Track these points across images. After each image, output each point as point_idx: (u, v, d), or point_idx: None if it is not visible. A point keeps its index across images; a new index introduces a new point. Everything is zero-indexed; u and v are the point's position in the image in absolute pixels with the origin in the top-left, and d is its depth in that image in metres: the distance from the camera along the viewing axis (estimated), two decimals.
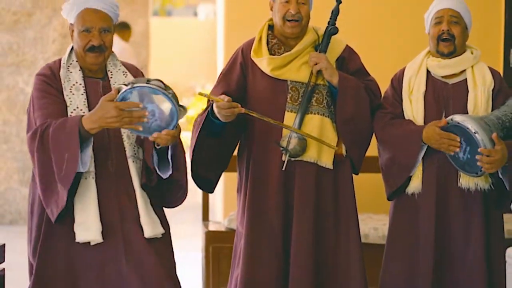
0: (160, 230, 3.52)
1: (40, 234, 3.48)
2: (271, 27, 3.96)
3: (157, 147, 3.46)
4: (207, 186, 4.06)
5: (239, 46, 3.99)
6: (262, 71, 3.87)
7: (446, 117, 3.82)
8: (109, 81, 3.59)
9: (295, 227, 3.85)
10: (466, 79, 3.92)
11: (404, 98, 3.96)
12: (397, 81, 4.01)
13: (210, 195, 5.32)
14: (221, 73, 3.97)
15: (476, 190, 3.84)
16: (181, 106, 3.36)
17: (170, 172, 3.52)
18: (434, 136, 3.77)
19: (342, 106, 3.85)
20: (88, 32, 3.51)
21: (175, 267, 3.61)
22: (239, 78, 3.92)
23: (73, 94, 3.50)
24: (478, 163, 3.67)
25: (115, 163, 3.51)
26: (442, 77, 3.94)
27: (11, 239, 5.88)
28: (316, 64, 3.82)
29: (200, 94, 3.72)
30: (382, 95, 4.05)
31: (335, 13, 3.92)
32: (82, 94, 3.51)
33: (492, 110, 3.86)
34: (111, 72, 3.62)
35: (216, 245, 5.21)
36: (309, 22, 3.91)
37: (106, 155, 3.50)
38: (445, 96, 3.90)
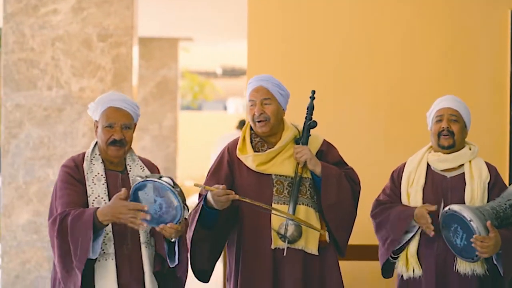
0: None
1: None
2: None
3: (170, 239, 3.73)
4: (204, 277, 4.23)
5: (224, 146, 4.22)
6: (248, 167, 4.10)
7: (444, 207, 4.02)
8: (128, 174, 3.90)
9: None
10: (464, 172, 4.13)
11: (402, 191, 4.18)
12: (397, 175, 4.24)
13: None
14: (209, 171, 4.20)
15: (473, 275, 4.01)
16: (185, 204, 3.65)
17: (176, 262, 3.79)
18: (418, 215, 4.01)
19: (326, 193, 4.07)
20: (111, 127, 3.84)
21: None
22: (226, 175, 4.13)
23: (95, 184, 3.81)
24: (474, 248, 3.86)
25: (130, 247, 3.80)
26: (441, 170, 4.15)
27: None
28: (301, 156, 4.06)
29: (196, 185, 3.93)
30: (383, 188, 4.27)
31: (310, 109, 4.18)
32: (103, 184, 3.82)
33: (487, 202, 4.05)
34: (129, 166, 3.93)
35: None
36: (281, 118, 4.15)
37: (122, 239, 3.79)
38: (443, 188, 4.11)
